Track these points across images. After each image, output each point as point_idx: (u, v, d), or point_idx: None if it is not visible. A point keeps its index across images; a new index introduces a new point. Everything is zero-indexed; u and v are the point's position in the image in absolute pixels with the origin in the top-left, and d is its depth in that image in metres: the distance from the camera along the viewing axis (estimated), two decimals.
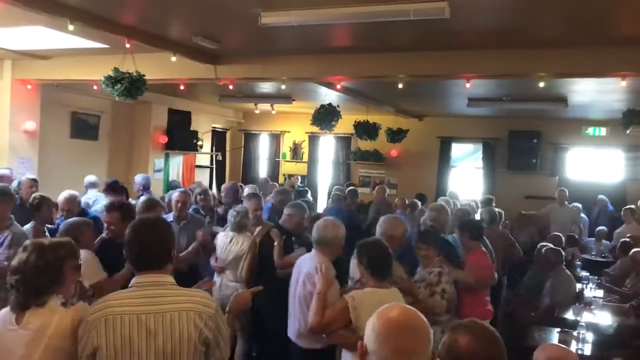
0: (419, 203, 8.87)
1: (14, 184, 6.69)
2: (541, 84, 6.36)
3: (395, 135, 11.25)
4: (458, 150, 12.75)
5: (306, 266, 3.81)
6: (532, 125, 11.34)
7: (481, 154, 12.20)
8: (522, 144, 11.45)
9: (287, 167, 14.02)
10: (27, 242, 2.53)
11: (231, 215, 5.25)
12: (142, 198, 5.44)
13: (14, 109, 8.68)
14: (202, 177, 13.15)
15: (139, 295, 2.33)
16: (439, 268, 4.29)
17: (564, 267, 6.29)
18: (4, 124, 8.66)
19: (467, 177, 12.59)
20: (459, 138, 12.49)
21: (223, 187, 7.90)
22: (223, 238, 5.25)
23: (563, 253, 6.50)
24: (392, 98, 9.84)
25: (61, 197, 5.54)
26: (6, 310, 2.43)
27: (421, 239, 4.52)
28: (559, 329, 4.83)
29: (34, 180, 6.60)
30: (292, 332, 3.90)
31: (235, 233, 5.21)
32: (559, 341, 4.54)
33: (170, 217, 5.48)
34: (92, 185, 7.65)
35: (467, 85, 6.68)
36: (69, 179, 9.11)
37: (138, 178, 8.00)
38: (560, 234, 7.80)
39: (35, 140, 9.03)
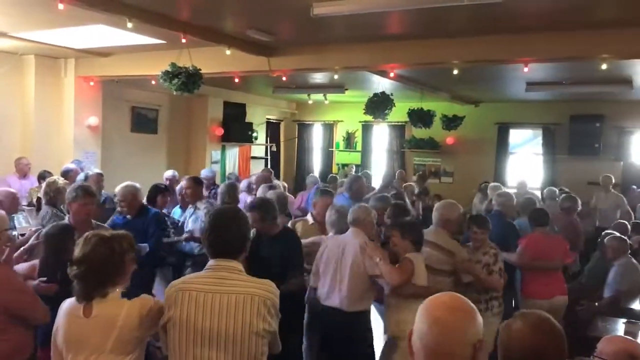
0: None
1: (81, 177, 6.99)
2: (603, 66, 6.10)
3: (451, 122, 11.07)
4: (516, 136, 12.42)
5: (351, 243, 4.26)
6: (594, 109, 10.90)
7: (541, 139, 11.85)
8: (584, 128, 11.01)
9: (341, 156, 14.03)
10: (89, 233, 2.58)
11: (336, 216, 4.66)
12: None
13: (77, 105, 9.05)
14: (258, 168, 13.34)
15: (210, 275, 2.49)
16: (494, 250, 4.65)
17: (630, 255, 6.05)
18: (69, 119, 9.05)
19: (526, 164, 12.25)
20: (517, 124, 12.16)
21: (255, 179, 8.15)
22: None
23: (628, 241, 6.26)
24: (447, 84, 9.67)
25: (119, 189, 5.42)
26: (71, 301, 2.50)
27: (476, 223, 4.77)
28: (625, 320, 4.66)
29: (101, 174, 6.87)
30: (335, 300, 4.23)
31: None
32: (625, 332, 4.38)
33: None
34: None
35: (525, 69, 6.48)
36: (130, 172, 9.44)
37: (206, 172, 8.27)
38: (624, 222, 7.49)
39: (98, 135, 9.39)
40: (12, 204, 5.26)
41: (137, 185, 5.21)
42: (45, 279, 3.46)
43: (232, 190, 6.40)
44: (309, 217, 5.30)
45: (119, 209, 5.18)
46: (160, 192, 6.17)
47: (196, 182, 6.11)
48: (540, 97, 10.54)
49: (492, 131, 12.15)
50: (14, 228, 5.08)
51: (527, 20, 5.56)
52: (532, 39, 6.02)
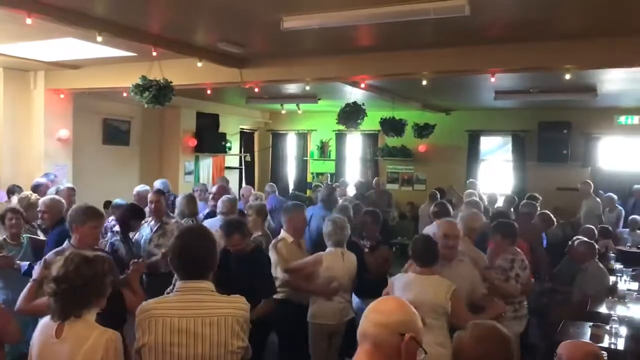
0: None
1: (52, 191, 6.90)
2: (567, 76, 6.28)
3: (423, 130, 11.21)
4: (487, 143, 12.63)
5: None
6: (561, 116, 11.16)
7: (510, 146, 12.08)
8: (552, 135, 11.26)
9: (315, 165, 14.10)
10: (71, 252, 2.56)
11: (333, 227, 4.68)
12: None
13: (47, 117, 8.94)
14: (232, 178, 13.31)
15: (182, 299, 2.49)
16: (511, 255, 4.74)
17: (597, 260, 6.20)
18: (39, 132, 8.93)
19: (496, 171, 12.47)
20: (487, 131, 12.37)
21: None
22: (332, 257, 4.66)
23: (596, 245, 6.41)
24: (418, 94, 9.82)
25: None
26: (46, 320, 2.50)
27: (498, 229, 4.90)
28: (591, 324, 4.79)
29: (72, 189, 6.80)
30: None
31: (344, 248, 4.74)
32: (591, 335, 4.51)
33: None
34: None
35: (492, 79, 6.63)
36: (103, 185, 9.40)
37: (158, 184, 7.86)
38: (592, 227, 7.68)
39: (69, 148, 9.29)
40: None
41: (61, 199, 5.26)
42: None
43: (191, 203, 6.17)
44: (286, 235, 4.99)
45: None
46: (135, 215, 5.46)
47: (164, 195, 5.86)
48: (509, 105, 10.76)
49: (463, 138, 12.35)
50: None
51: (493, 31, 5.70)
52: (498, 50, 6.16)
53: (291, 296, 4.70)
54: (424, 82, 6.96)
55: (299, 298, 4.71)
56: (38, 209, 5.09)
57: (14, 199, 6.40)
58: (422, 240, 4.04)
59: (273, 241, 5.02)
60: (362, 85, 7.64)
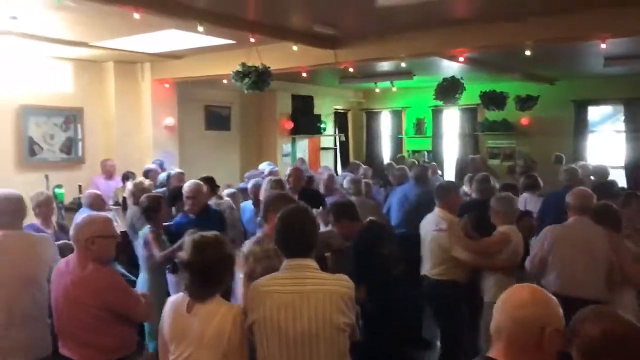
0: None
1: (163, 177, 7.31)
2: None
3: (525, 103, 10.70)
4: (596, 113, 11.85)
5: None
6: None
7: (622, 116, 11.24)
8: None
9: (411, 143, 13.89)
10: (197, 236, 2.65)
11: (507, 203, 4.67)
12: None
13: (155, 107, 9.45)
14: (328, 159, 13.46)
15: (289, 276, 2.58)
16: None
17: None
18: (147, 121, 9.46)
19: (607, 143, 11.68)
20: (596, 100, 11.57)
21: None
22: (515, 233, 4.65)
23: None
24: (520, 64, 9.34)
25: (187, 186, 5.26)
26: (177, 298, 2.67)
27: None
28: None
29: (182, 174, 7.15)
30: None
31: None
32: None
33: None
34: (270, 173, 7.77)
35: (603, 46, 6.18)
36: (207, 169, 9.76)
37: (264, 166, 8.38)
38: None
39: (175, 135, 9.78)
40: (99, 205, 5.62)
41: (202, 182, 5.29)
42: None
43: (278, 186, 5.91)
44: (448, 215, 4.78)
45: (186, 207, 5.15)
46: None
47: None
48: (621, 72, 9.97)
49: (569, 110, 11.63)
50: None
51: None
52: (610, 15, 5.71)
53: (454, 276, 4.68)
54: (528, 53, 6.61)
55: (458, 276, 4.68)
56: (185, 196, 5.08)
57: (129, 185, 6.85)
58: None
59: (446, 227, 4.71)
60: (461, 59, 7.38)
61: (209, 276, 2.56)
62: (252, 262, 3.19)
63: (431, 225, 4.81)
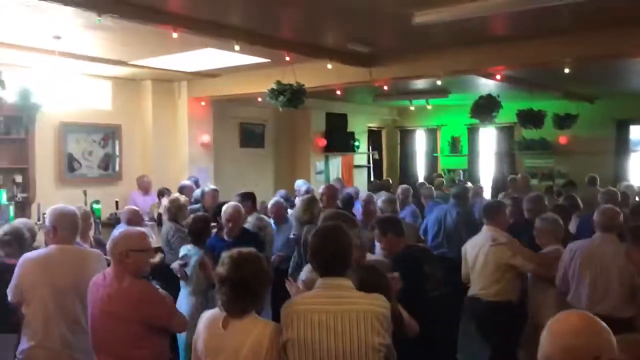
0: None
1: (197, 192, 7.38)
2: None
3: (564, 121, 10.46)
4: (638, 132, 11.50)
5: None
6: None
7: None
8: None
9: (446, 161, 13.74)
10: (234, 252, 2.62)
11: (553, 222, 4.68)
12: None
13: (191, 124, 9.59)
14: (360, 177, 13.40)
15: (322, 295, 2.55)
16: None
17: None
18: (183, 138, 9.60)
19: None
20: (638, 119, 11.26)
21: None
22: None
23: None
24: (559, 82, 9.17)
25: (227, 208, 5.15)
26: (211, 314, 2.65)
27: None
28: None
29: (216, 190, 7.20)
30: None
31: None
32: None
33: None
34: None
35: None
36: (241, 186, 9.84)
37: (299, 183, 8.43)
38: None
39: (210, 152, 9.89)
40: (137, 220, 5.70)
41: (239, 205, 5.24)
42: None
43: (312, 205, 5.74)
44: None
45: (225, 230, 5.09)
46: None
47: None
48: None
49: (610, 128, 11.36)
50: None
51: None
52: None
53: (510, 296, 4.63)
54: (567, 70, 6.49)
55: (512, 296, 4.64)
56: (224, 218, 5.07)
57: (164, 201, 6.92)
58: None
59: (505, 240, 4.71)
60: (498, 77, 7.29)
61: (246, 292, 2.53)
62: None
63: (482, 243, 4.72)
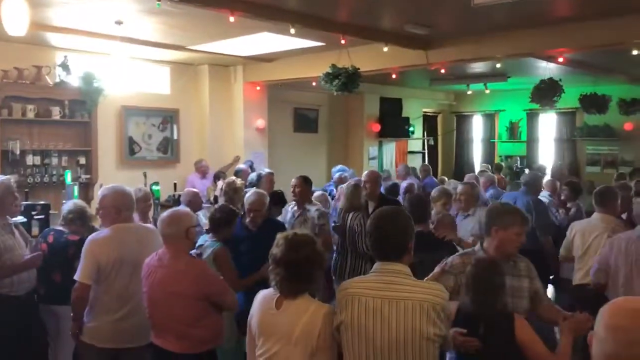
0: None
1: (253, 176, 7.47)
2: None
3: (630, 106, 10.01)
4: None
5: None
6: None
7: None
8: None
9: (504, 148, 13.39)
10: (288, 234, 2.64)
11: None
12: None
13: (246, 108, 9.69)
14: (415, 163, 13.23)
15: (378, 280, 2.50)
16: None
17: None
18: (239, 122, 9.72)
19: None
20: None
21: None
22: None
23: None
24: (625, 65, 8.75)
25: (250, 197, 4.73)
26: (265, 294, 2.67)
27: None
28: None
29: (272, 174, 7.26)
30: None
31: None
32: None
33: None
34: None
35: None
36: (295, 170, 9.88)
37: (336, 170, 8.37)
38: None
39: (264, 136, 9.98)
40: (197, 202, 5.84)
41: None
42: None
43: (355, 191, 5.43)
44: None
45: (247, 220, 4.68)
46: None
47: (306, 181, 5.64)
48: None
49: None
50: (198, 224, 5.56)
51: None
52: None
53: None
54: (635, 52, 6.19)
55: None
56: (247, 207, 4.70)
57: (220, 183, 7.04)
58: None
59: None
60: (560, 60, 7.03)
61: (299, 274, 2.55)
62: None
63: (598, 231, 4.61)
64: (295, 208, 5.62)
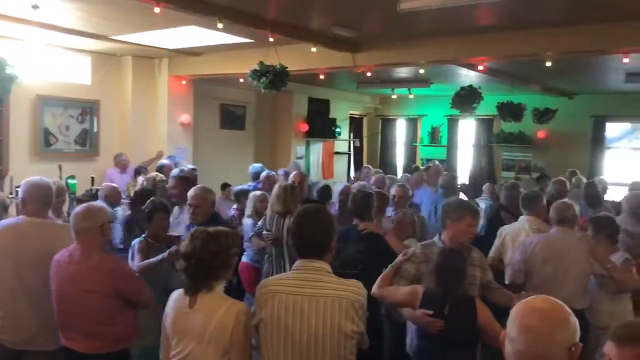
0: None
1: (175, 172, 7.29)
2: None
3: (543, 115, 10.56)
4: (614, 130, 11.70)
5: None
6: None
7: None
8: None
9: (425, 151, 13.81)
10: (196, 229, 2.68)
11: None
12: None
13: (171, 103, 9.46)
14: (341, 164, 13.42)
15: (298, 277, 2.52)
16: None
17: None
18: (162, 116, 9.47)
19: (624, 159, 11.52)
20: (614, 116, 11.43)
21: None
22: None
23: None
24: (539, 76, 9.25)
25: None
26: (179, 293, 2.63)
27: None
28: None
29: (195, 169, 7.13)
30: None
31: None
32: None
33: None
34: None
35: (625, 60, 6.09)
36: (220, 167, 9.81)
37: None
38: None
39: (189, 132, 9.78)
40: (115, 197, 5.64)
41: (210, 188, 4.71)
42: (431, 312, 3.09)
43: (293, 193, 5.13)
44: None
45: (189, 216, 4.53)
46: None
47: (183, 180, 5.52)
48: None
49: (586, 124, 11.50)
50: (116, 220, 5.38)
51: (629, 4, 5.18)
52: (634, 29, 5.61)
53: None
54: (548, 64, 6.54)
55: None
56: (188, 202, 4.53)
57: (140, 179, 6.85)
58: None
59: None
60: (480, 68, 7.32)
61: (205, 267, 2.53)
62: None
63: (524, 232, 4.73)
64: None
